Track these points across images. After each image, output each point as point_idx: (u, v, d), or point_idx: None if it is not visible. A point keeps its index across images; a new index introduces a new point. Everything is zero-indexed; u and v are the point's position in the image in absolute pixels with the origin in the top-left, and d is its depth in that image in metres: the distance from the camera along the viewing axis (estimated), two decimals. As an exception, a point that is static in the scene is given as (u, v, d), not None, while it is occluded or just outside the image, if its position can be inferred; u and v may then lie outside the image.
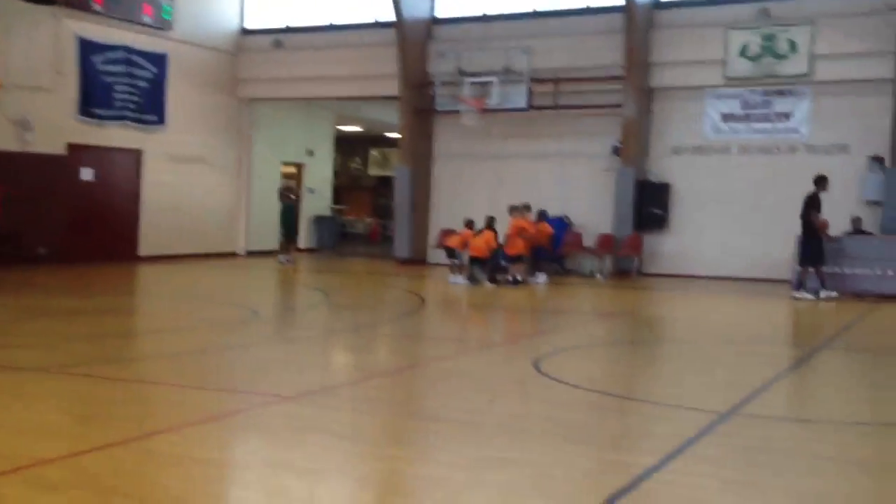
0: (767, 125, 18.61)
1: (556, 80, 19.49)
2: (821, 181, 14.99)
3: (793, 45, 17.99)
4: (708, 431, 5.92)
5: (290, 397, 6.67)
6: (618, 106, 19.12)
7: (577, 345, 10.05)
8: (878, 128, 17.31)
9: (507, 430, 5.94)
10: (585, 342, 10.40)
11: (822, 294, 14.85)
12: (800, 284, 14.97)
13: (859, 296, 15.18)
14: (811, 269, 14.96)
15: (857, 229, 16.26)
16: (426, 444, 5.70)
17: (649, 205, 19.25)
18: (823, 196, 14.97)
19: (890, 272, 15.11)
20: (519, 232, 16.65)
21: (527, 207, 17.39)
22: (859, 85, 17.65)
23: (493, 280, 16.77)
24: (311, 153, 26.10)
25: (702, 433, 5.85)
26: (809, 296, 14.84)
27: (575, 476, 5.00)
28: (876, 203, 17.09)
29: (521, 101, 19.30)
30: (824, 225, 15.00)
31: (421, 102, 21.13)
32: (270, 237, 23.41)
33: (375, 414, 6.50)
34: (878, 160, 17.26)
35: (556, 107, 19.67)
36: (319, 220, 26.44)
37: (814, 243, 14.80)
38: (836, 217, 16.90)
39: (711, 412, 6.40)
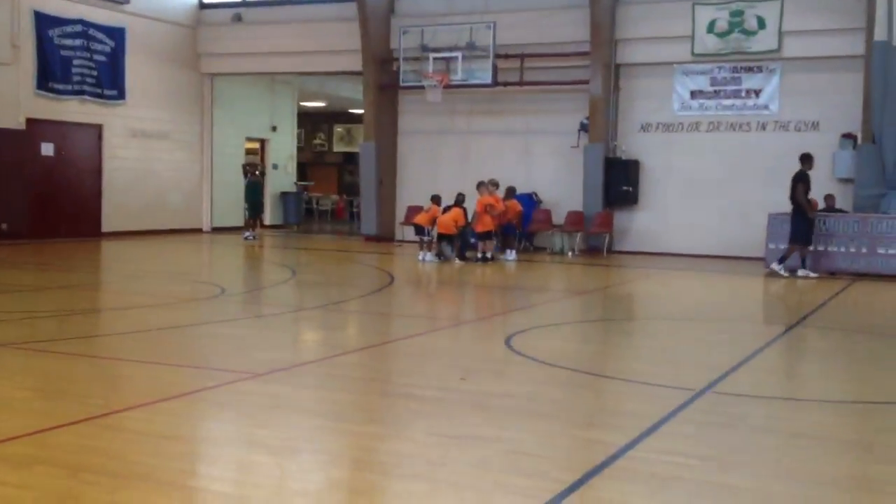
0: (737, 102, 18.60)
1: (522, 56, 19.35)
2: (806, 159, 14.99)
3: (761, 21, 17.97)
4: (683, 409, 5.87)
5: (260, 374, 6.53)
6: (585, 82, 19.02)
7: (549, 322, 9.98)
8: (849, 105, 17.33)
9: (479, 407, 5.87)
10: (557, 320, 10.33)
11: (800, 272, 14.91)
12: (783, 259, 14.99)
13: (833, 274, 15.24)
14: (797, 248, 14.98)
15: (830, 207, 16.35)
16: (398, 420, 5.61)
17: (619, 182, 19.21)
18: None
19: (864, 250, 15.18)
20: (487, 209, 16.55)
21: (494, 184, 17.29)
22: (830, 61, 17.67)
23: (462, 257, 16.67)
24: (274, 129, 25.76)
25: (677, 411, 5.81)
26: (785, 273, 14.88)
27: (548, 453, 4.94)
28: (847, 181, 17.17)
29: (487, 77, 19.14)
30: (814, 205, 15.04)
31: (385, 78, 20.89)
32: (235, 213, 23.13)
33: (346, 391, 6.40)
34: (849, 137, 17.32)
35: (522, 83, 19.53)
36: (285, 197, 26.14)
37: (803, 222, 14.83)
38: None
39: (686, 390, 6.35)
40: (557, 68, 19.45)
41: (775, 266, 14.98)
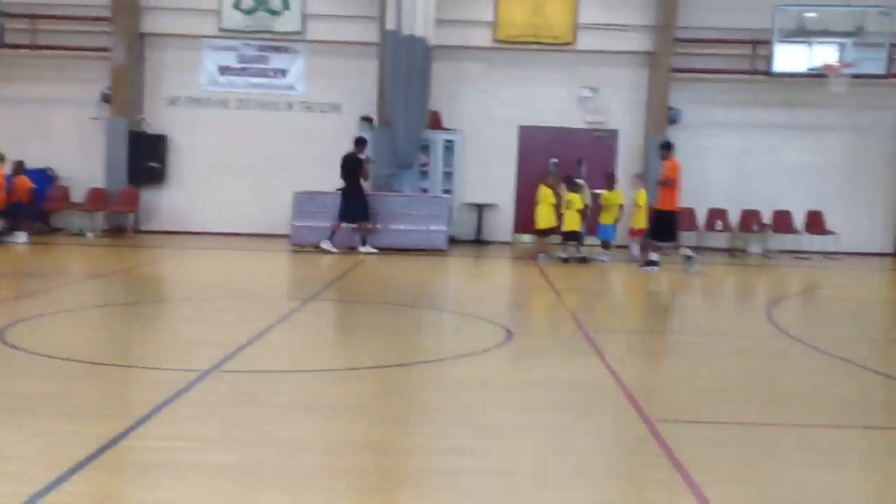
0: (264, 80, 18.81)
1: (34, 17, 17.73)
2: (360, 142, 15.76)
3: (286, 2, 18.35)
4: (186, 392, 5.70)
5: None
6: (106, 50, 17.90)
7: (56, 310, 9.15)
8: (367, 88, 18.38)
9: (-50, 410, 5.13)
10: (67, 307, 9.49)
11: (363, 249, 15.61)
12: (332, 235, 15.56)
13: (353, 248, 15.92)
14: (353, 225, 15.67)
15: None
16: None
17: (145, 158, 18.40)
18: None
19: (381, 226, 16.15)
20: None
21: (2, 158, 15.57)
22: (349, 46, 18.56)
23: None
24: None
25: (179, 394, 5.63)
26: (335, 249, 15.37)
27: (27, 453, 4.48)
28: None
29: (-7, 38, 17.20)
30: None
31: None
32: None
33: None
34: (366, 120, 18.36)
35: (34, 46, 17.86)
36: None
37: (359, 202, 15.53)
38: (334, 176, 17.71)
39: (193, 371, 6.19)
40: (75, 33, 18.07)
41: (324, 244, 15.44)
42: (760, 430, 5.32)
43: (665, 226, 14.13)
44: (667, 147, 14.49)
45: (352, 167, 15.62)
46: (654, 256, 14.29)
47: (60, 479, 4.06)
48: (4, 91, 18.46)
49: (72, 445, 4.60)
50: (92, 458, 4.37)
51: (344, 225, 15.69)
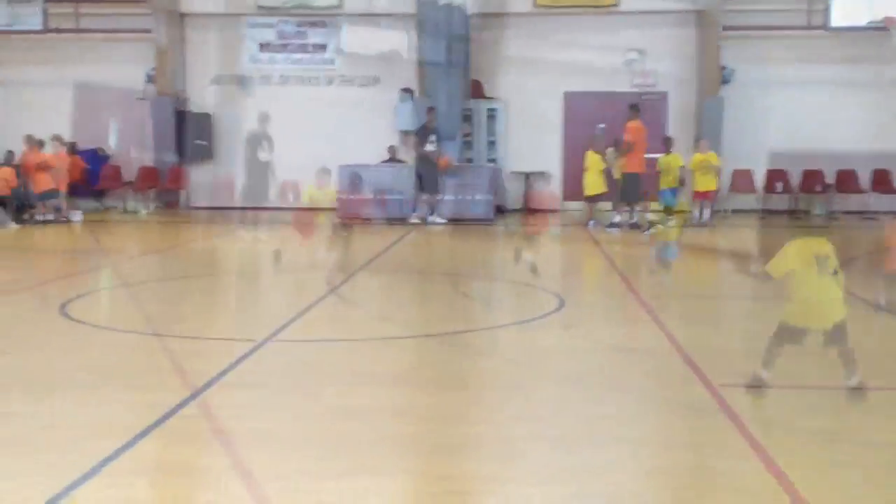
0: (304, 56, 18.79)
1: (76, 1, 17.89)
2: (430, 111, 16.01)
3: (322, -23, 18.27)
4: (243, 360, 5.77)
5: None
6: (148, 31, 18.05)
7: (115, 285, 9.31)
8: (405, 60, 18.26)
9: (21, 381, 5.33)
10: (124, 281, 9.63)
11: (431, 219, 15.61)
12: (431, 211, 15.73)
13: (392, 221, 15.84)
14: (425, 197, 15.70)
15: (393, 158, 17.15)
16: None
17: (193, 136, 18.56)
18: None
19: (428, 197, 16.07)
20: (41, 166, 15.08)
21: (60, 140, 15.89)
22: (386, 18, 18.41)
23: (19, 220, 15.01)
24: None
25: (236, 363, 5.71)
26: (441, 219, 15.60)
27: (89, 422, 4.61)
28: (408, 132, 18.07)
29: (36, 23, 17.53)
30: (445, 162, 15.78)
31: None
32: None
33: None
34: (407, 91, 18.23)
35: (77, 30, 18.08)
36: None
37: (427, 173, 15.53)
38: (376, 146, 17.70)
39: (249, 341, 6.23)
40: (117, 15, 18.24)
41: (432, 219, 15.59)
42: (825, 393, 5.15)
43: (631, 187, 14.49)
44: (634, 109, 14.74)
45: (417, 139, 15.73)
46: (616, 219, 14.63)
47: (125, 447, 4.14)
48: (51, 74, 18.65)
49: (134, 414, 4.69)
50: (155, 426, 4.46)
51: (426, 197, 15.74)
